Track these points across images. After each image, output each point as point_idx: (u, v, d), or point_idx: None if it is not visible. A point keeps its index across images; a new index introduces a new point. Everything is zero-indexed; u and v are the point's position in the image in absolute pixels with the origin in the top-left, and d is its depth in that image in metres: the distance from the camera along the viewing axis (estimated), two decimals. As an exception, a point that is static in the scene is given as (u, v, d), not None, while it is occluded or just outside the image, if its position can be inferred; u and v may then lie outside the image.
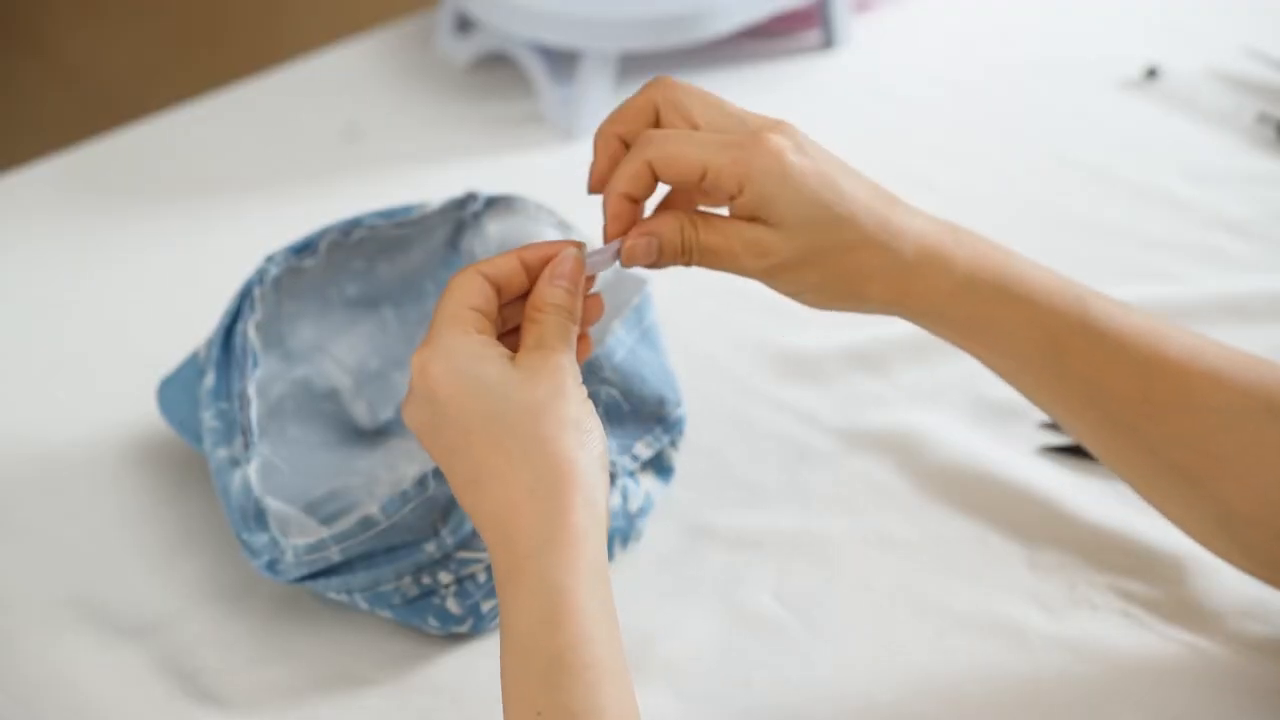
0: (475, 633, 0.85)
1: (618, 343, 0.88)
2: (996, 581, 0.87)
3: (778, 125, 0.76)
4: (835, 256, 0.76)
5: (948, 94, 1.28)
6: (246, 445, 0.85)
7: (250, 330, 0.88)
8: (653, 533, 0.90)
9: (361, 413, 0.92)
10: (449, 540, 0.83)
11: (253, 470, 0.84)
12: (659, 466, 0.90)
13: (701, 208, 0.78)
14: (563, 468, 0.70)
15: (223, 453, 0.85)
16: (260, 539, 0.82)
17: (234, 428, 0.86)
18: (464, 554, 0.84)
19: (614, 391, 0.88)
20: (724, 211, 0.77)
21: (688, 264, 0.78)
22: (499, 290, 0.75)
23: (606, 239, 0.76)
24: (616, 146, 0.78)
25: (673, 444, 0.90)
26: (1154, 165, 1.19)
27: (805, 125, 0.75)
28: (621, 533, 0.88)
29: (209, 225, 1.14)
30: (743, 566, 0.89)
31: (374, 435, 0.92)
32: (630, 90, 1.25)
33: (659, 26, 1.20)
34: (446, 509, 0.83)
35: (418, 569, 0.83)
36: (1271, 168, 1.18)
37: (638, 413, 0.88)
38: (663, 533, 0.90)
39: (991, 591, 0.87)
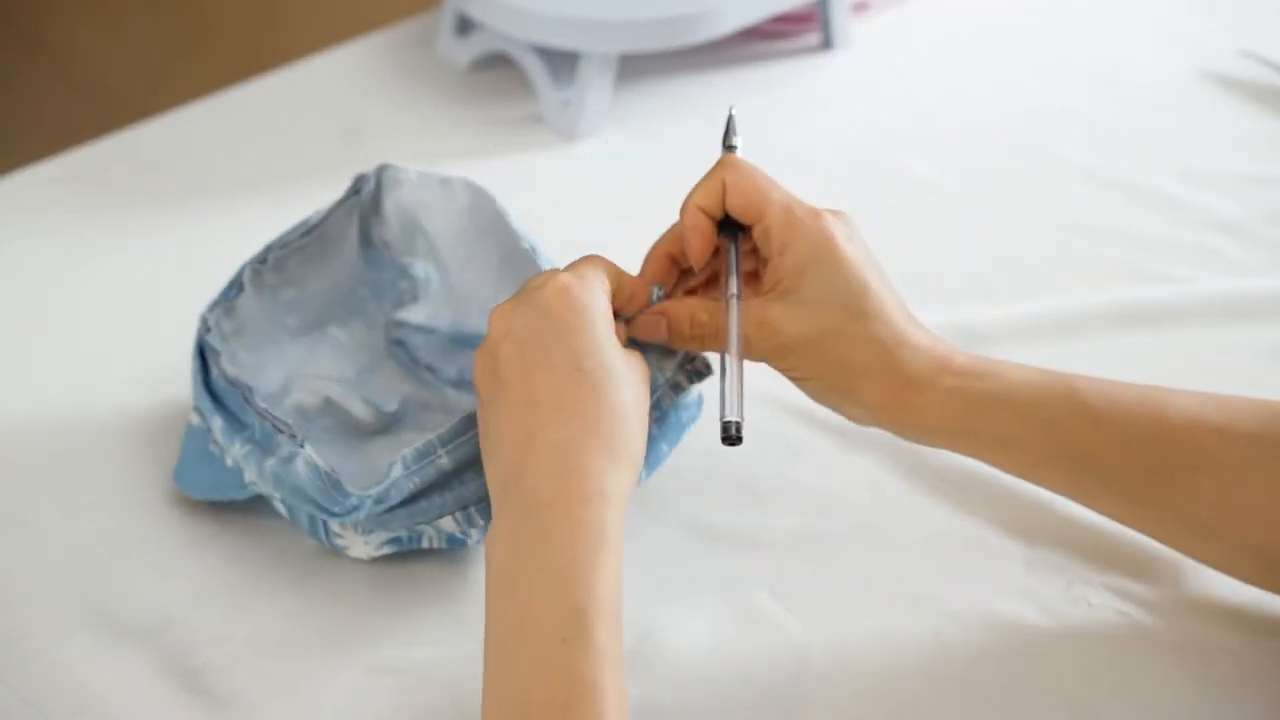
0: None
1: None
2: (994, 580, 0.88)
3: (838, 213, 0.81)
4: (838, 346, 0.80)
5: (945, 95, 1.28)
6: (293, 435, 0.84)
7: (226, 368, 0.87)
8: (652, 532, 0.90)
9: (361, 410, 0.93)
10: None
11: (311, 451, 0.83)
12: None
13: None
14: (639, 456, 0.76)
15: (271, 462, 0.85)
16: (350, 500, 0.82)
17: (271, 438, 0.84)
18: None
19: None
20: None
21: (701, 347, 0.83)
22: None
23: (689, 249, 0.82)
24: (704, 221, 0.82)
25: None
26: (1150, 166, 1.19)
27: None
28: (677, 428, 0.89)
29: (209, 225, 1.14)
30: (741, 565, 0.89)
31: (384, 427, 0.92)
32: (629, 90, 1.26)
33: (658, 28, 1.20)
34: None
35: (479, 499, 0.83)
36: (1268, 169, 1.19)
37: None
38: (662, 532, 0.90)
39: (989, 590, 0.87)
